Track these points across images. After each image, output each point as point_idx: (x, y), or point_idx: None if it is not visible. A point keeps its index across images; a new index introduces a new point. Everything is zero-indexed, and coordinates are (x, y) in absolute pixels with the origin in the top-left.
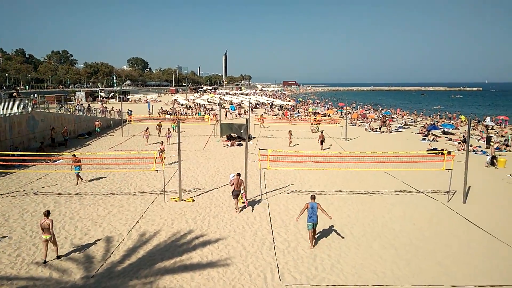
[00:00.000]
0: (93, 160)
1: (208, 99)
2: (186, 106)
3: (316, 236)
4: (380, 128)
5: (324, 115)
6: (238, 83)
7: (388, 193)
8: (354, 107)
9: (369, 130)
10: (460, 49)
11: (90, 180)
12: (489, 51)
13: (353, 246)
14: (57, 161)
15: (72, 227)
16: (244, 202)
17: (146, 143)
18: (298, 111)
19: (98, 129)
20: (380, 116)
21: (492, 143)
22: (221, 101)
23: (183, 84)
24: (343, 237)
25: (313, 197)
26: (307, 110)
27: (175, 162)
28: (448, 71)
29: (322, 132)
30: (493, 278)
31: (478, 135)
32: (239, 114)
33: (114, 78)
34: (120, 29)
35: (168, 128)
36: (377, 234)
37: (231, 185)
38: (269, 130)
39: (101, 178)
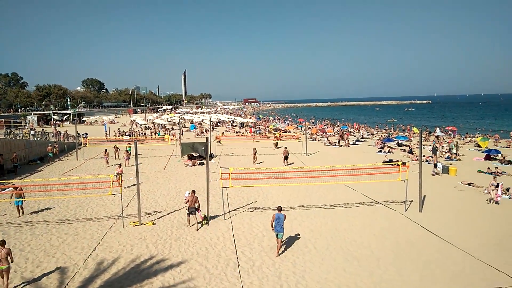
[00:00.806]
0: (45, 186)
1: (168, 118)
2: (145, 126)
3: (281, 251)
4: (338, 142)
5: (285, 131)
6: (198, 101)
7: (348, 206)
8: (313, 123)
9: (328, 144)
10: (410, 65)
11: (41, 211)
12: (437, 66)
13: (317, 261)
14: (6, 190)
15: (22, 259)
16: (199, 218)
17: (106, 165)
18: (259, 128)
19: (51, 154)
20: (338, 130)
21: (438, 153)
22: (181, 120)
23: (142, 104)
24: (307, 252)
25: (279, 209)
26: (268, 127)
27: (134, 185)
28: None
29: (285, 148)
30: (450, 284)
31: (430, 145)
32: (201, 132)
33: (68, 100)
34: (73, 50)
35: (127, 150)
36: (340, 246)
37: (186, 202)
38: (231, 148)
39: (54, 205)
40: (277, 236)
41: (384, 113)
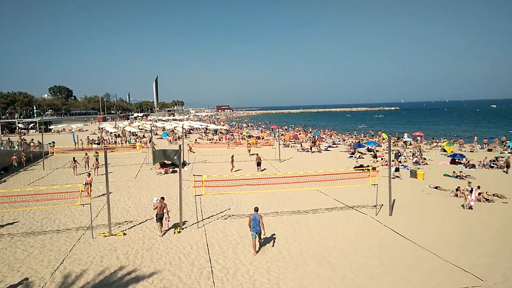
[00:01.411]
0: (10, 198)
1: (139, 126)
2: (115, 134)
3: (258, 249)
4: (311, 148)
5: (258, 137)
6: (170, 109)
7: (321, 211)
8: (286, 129)
9: (301, 150)
10: (380, 72)
11: (5, 225)
12: (404, 73)
13: (291, 267)
14: None
15: None
16: (166, 226)
17: (75, 173)
18: (233, 135)
19: (15, 164)
20: (311, 136)
21: (401, 158)
22: (153, 128)
23: (112, 111)
24: (281, 258)
25: (256, 209)
26: (241, 134)
27: (103, 194)
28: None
29: (258, 154)
30: (420, 285)
31: (403, 151)
32: (174, 140)
33: (34, 108)
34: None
35: (96, 159)
36: (313, 252)
37: (154, 209)
38: (205, 155)
39: (19, 217)
40: (255, 235)
41: (355, 119)
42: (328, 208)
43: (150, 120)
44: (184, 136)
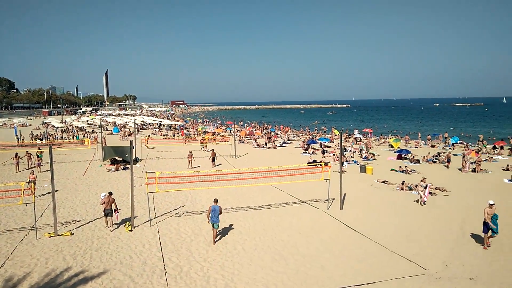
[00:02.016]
0: None
1: (88, 121)
2: (62, 129)
3: (215, 239)
4: (266, 144)
5: (214, 133)
6: (122, 103)
7: (276, 206)
8: (241, 125)
9: (257, 146)
10: (331, 70)
11: None
12: (355, 72)
13: (245, 262)
14: None
15: None
16: (116, 219)
17: (17, 170)
18: (188, 130)
19: None
20: (266, 133)
21: (350, 152)
22: (103, 123)
23: (58, 105)
24: (235, 254)
25: (215, 201)
26: (196, 129)
27: (49, 193)
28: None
29: (213, 150)
30: (368, 276)
31: (350, 146)
32: (126, 135)
33: None
34: None
35: (38, 156)
36: (268, 246)
37: (102, 204)
38: (158, 151)
39: None
40: (213, 226)
41: (309, 116)
42: (282, 203)
43: (100, 115)
44: (136, 132)
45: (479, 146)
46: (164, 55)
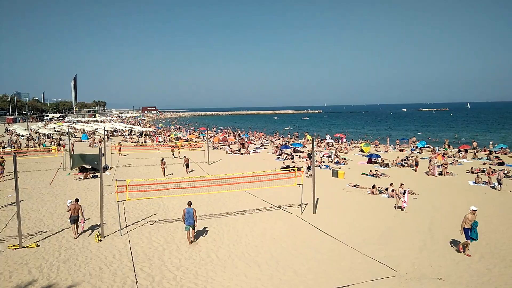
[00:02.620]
0: None
1: (55, 128)
2: (28, 137)
3: (193, 240)
4: (239, 150)
5: (186, 140)
6: (91, 109)
7: (249, 212)
8: (215, 131)
9: (230, 152)
10: (303, 76)
11: None
12: (327, 78)
13: (219, 270)
14: None
15: None
16: (81, 228)
17: None
18: (160, 137)
19: None
20: (239, 138)
21: (313, 157)
22: (71, 130)
23: (23, 112)
24: (209, 262)
25: (189, 204)
26: (168, 136)
27: (13, 203)
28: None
29: (185, 156)
30: (341, 279)
31: (322, 151)
32: (96, 142)
33: None
34: None
35: (0, 164)
36: (241, 253)
37: (68, 211)
38: (129, 159)
39: None
40: (188, 228)
41: (282, 121)
42: (256, 209)
43: (68, 122)
44: (106, 139)
45: (444, 148)
46: (135, 60)
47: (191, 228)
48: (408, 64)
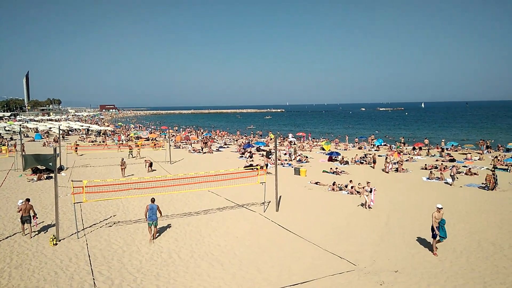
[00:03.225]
0: None
1: (5, 127)
2: None
3: (156, 236)
4: (202, 149)
5: (147, 139)
6: (45, 108)
7: (213, 211)
8: (177, 130)
9: (193, 151)
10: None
11: None
12: (289, 78)
13: (181, 270)
14: None
15: None
16: (36, 227)
17: None
18: (119, 136)
19: None
20: (202, 137)
21: (274, 155)
22: (22, 129)
23: None
24: (171, 263)
25: (152, 200)
26: (128, 135)
27: None
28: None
29: (146, 157)
30: (303, 275)
31: (284, 149)
32: (51, 142)
33: None
34: None
35: None
36: (204, 253)
37: (19, 211)
38: (86, 159)
39: None
40: (151, 224)
41: (245, 120)
42: (219, 208)
43: (20, 121)
44: (61, 138)
45: (396, 146)
46: (92, 56)
47: (153, 224)
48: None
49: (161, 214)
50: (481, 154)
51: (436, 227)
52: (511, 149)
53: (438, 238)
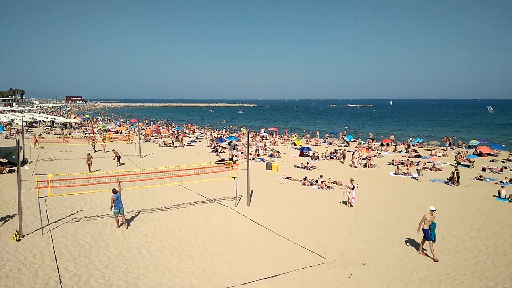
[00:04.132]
0: None
1: None
2: None
3: (124, 224)
4: (173, 143)
5: (116, 132)
6: (7, 98)
7: (184, 206)
8: (147, 123)
9: (163, 145)
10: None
11: None
12: (262, 73)
13: (151, 265)
14: None
15: None
16: None
17: None
18: (86, 128)
19: None
20: (173, 131)
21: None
22: None
23: None
24: (140, 258)
25: (114, 191)
26: (96, 128)
27: None
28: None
29: (114, 150)
30: (273, 269)
31: (256, 144)
32: (12, 134)
33: None
34: None
35: None
36: (175, 247)
37: None
38: (51, 152)
39: None
40: (117, 213)
41: (217, 114)
42: (190, 203)
43: None
44: (25, 131)
45: (359, 143)
46: (59, 45)
47: (119, 213)
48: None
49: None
50: (445, 150)
51: (427, 229)
52: (472, 146)
53: (430, 240)
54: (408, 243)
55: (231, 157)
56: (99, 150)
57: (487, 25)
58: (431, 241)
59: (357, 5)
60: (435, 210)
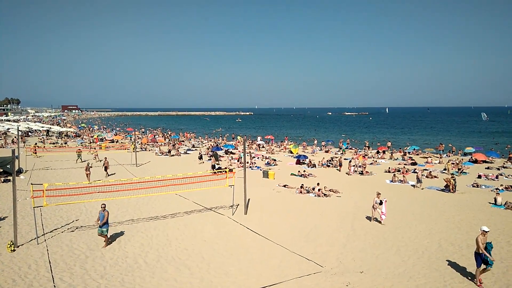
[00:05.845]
0: None
1: None
2: None
3: (107, 242)
4: (170, 152)
5: (112, 141)
6: (2, 108)
7: (180, 215)
8: (143, 132)
9: (160, 154)
10: (234, 79)
11: None
12: (258, 81)
13: (147, 275)
14: None
15: None
16: None
17: None
18: (82, 138)
19: None
20: (170, 140)
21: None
22: None
23: None
24: (136, 268)
25: (103, 207)
26: (92, 137)
27: None
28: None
29: (106, 158)
30: (270, 277)
31: (253, 152)
32: (7, 144)
33: None
34: None
35: None
36: (171, 257)
37: None
38: (47, 161)
39: None
40: (100, 232)
41: (214, 123)
42: (187, 212)
43: None
44: (20, 140)
45: (342, 149)
46: (54, 54)
47: (102, 234)
48: (334, 71)
49: (106, 220)
50: (440, 158)
51: (478, 253)
52: (468, 153)
53: (485, 266)
54: (405, 251)
55: (213, 164)
56: (85, 160)
57: (483, 33)
58: (479, 268)
59: (353, 14)
60: (488, 231)
